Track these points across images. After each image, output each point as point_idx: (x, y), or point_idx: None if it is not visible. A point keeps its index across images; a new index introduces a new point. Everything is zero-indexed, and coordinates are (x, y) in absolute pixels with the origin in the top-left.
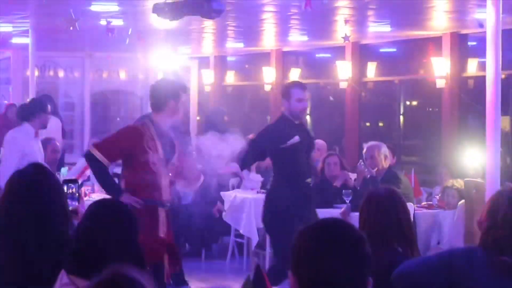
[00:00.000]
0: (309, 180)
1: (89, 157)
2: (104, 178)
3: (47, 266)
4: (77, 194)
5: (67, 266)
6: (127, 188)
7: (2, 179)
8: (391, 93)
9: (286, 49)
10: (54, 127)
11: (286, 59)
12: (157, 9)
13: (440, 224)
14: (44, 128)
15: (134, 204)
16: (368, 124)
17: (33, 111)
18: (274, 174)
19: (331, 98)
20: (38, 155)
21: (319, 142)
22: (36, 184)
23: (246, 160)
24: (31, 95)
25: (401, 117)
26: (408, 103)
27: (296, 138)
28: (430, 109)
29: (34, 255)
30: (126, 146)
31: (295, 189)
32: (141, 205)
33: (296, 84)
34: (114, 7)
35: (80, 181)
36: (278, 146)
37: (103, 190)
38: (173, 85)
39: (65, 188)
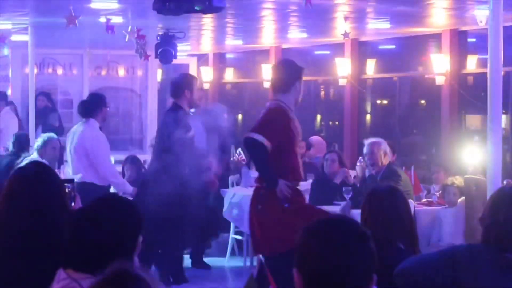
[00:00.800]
0: None
1: (251, 143)
2: (265, 164)
3: (46, 262)
4: (73, 194)
5: (63, 261)
6: (278, 172)
7: (109, 176)
8: (390, 90)
9: (285, 46)
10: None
11: (285, 56)
12: (157, 6)
13: (441, 222)
14: (103, 122)
15: (286, 194)
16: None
17: (96, 106)
18: None
19: (330, 95)
20: None
21: (315, 138)
22: (37, 181)
23: None
24: (31, 92)
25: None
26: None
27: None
28: (426, 105)
29: (33, 251)
30: (282, 127)
31: None
32: (292, 190)
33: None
34: (113, 5)
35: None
36: None
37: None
38: (296, 66)
39: None
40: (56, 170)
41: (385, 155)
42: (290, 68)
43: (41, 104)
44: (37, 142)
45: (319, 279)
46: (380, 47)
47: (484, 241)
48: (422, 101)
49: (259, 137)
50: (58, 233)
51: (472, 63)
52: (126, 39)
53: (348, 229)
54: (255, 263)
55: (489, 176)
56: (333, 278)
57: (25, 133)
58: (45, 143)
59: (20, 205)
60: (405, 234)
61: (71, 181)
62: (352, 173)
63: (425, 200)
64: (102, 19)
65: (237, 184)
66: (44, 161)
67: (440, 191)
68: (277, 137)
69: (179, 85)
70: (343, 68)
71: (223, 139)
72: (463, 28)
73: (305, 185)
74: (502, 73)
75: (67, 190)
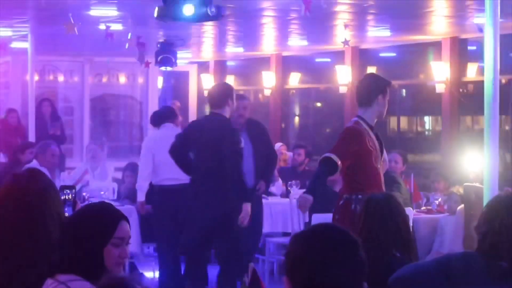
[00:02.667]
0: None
1: (324, 161)
2: (317, 177)
3: (37, 271)
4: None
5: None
6: (357, 186)
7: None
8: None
9: (285, 53)
10: None
11: (285, 63)
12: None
13: (442, 229)
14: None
15: (303, 206)
16: None
17: (171, 115)
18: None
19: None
20: None
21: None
22: (30, 189)
23: None
24: (30, 99)
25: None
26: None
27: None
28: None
29: (24, 260)
30: (356, 148)
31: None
32: None
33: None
34: (113, 12)
35: (79, 186)
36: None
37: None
38: (379, 80)
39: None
40: (56, 178)
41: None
42: (372, 81)
43: (47, 110)
44: (36, 149)
45: (309, 287)
46: (381, 54)
47: (479, 249)
48: (423, 109)
49: (333, 156)
50: (48, 240)
51: (472, 71)
52: (126, 46)
53: (338, 237)
54: None
55: (486, 183)
56: (323, 287)
57: None
58: (45, 150)
59: (12, 212)
60: (401, 242)
61: (72, 187)
62: None
63: (425, 208)
64: (102, 27)
65: None
66: (43, 168)
67: (440, 199)
68: (349, 157)
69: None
70: (343, 76)
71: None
72: (463, 36)
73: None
74: (503, 81)
75: (67, 196)
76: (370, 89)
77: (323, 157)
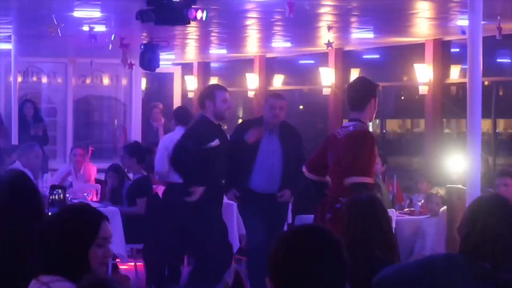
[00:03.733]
0: (223, 181)
1: (361, 186)
2: None
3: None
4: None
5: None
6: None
7: None
8: None
9: (269, 55)
10: None
11: (269, 65)
12: (140, 15)
13: (424, 231)
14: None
15: None
16: None
17: (188, 116)
18: None
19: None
20: None
21: None
22: (13, 190)
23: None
24: (14, 101)
25: None
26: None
27: (216, 141)
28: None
29: (6, 261)
30: (373, 153)
31: (210, 190)
32: None
33: (218, 86)
34: (96, 13)
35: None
36: (199, 147)
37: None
38: (371, 84)
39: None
40: (39, 179)
41: None
42: (365, 85)
43: (29, 111)
44: (19, 151)
45: None
46: (364, 56)
47: (462, 250)
48: (407, 110)
49: (366, 180)
50: (29, 241)
51: (455, 73)
52: (110, 48)
53: (321, 237)
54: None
55: (468, 185)
56: (306, 287)
57: None
58: (28, 152)
59: None
60: (384, 243)
61: (61, 187)
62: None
63: (407, 209)
64: (85, 28)
65: None
66: (26, 170)
67: (423, 200)
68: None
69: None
70: (327, 78)
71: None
72: (447, 38)
73: None
74: (486, 82)
75: (56, 196)
76: (364, 93)
77: (360, 183)
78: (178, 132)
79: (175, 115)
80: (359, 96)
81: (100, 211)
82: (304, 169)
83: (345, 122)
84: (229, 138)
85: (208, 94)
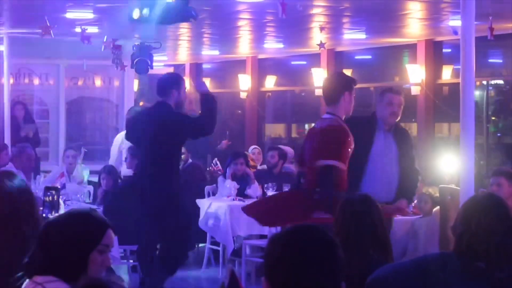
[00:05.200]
0: None
1: (328, 169)
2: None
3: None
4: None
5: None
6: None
7: None
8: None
9: (261, 56)
10: None
11: (261, 66)
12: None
13: (416, 231)
14: None
15: None
16: None
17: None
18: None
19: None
20: None
21: (289, 149)
22: (3, 192)
23: None
24: (6, 102)
25: None
26: None
27: None
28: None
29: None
30: (345, 145)
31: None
32: None
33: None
34: (89, 15)
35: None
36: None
37: None
38: (344, 78)
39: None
40: (32, 181)
41: None
42: (338, 79)
43: (20, 113)
44: (12, 152)
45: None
46: (356, 57)
47: (456, 250)
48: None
49: (338, 163)
50: (23, 242)
51: (447, 73)
52: (102, 49)
53: (316, 237)
54: None
55: (462, 185)
56: (301, 287)
57: None
58: (20, 153)
59: None
60: (378, 243)
61: (55, 188)
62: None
63: None
64: (78, 29)
65: (213, 194)
66: (18, 171)
67: (416, 201)
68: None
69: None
70: (319, 78)
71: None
72: (439, 39)
73: None
74: (478, 83)
75: (50, 197)
76: (336, 87)
77: (329, 166)
78: None
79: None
80: (332, 90)
81: (106, 219)
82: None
83: (324, 114)
84: None
85: (176, 83)
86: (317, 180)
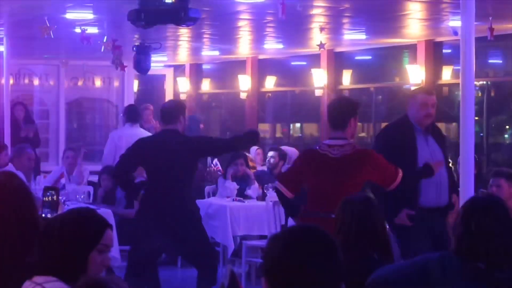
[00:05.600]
0: None
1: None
2: None
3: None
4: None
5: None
6: None
7: None
8: (366, 101)
9: (261, 57)
10: None
11: (261, 66)
12: (131, 16)
13: None
14: None
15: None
16: None
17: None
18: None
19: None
20: None
21: (291, 149)
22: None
23: None
24: (6, 103)
25: None
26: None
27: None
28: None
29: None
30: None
31: None
32: None
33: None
34: (89, 15)
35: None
36: None
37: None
38: (352, 103)
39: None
40: (32, 181)
41: None
42: (346, 105)
43: (20, 114)
44: (12, 153)
45: None
46: (356, 58)
47: (456, 251)
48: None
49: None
50: (22, 242)
51: (447, 74)
52: (102, 50)
53: (315, 237)
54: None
55: (462, 185)
56: (300, 287)
57: None
58: (20, 154)
59: None
60: (378, 244)
61: (55, 188)
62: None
63: None
64: (78, 30)
65: (213, 195)
66: (18, 172)
67: None
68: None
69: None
70: (319, 79)
71: None
72: (439, 39)
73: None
74: (477, 83)
75: (50, 198)
76: (344, 112)
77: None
78: (126, 129)
79: (125, 113)
80: (340, 115)
81: (106, 219)
82: (277, 183)
83: (330, 140)
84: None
85: (183, 109)
86: None
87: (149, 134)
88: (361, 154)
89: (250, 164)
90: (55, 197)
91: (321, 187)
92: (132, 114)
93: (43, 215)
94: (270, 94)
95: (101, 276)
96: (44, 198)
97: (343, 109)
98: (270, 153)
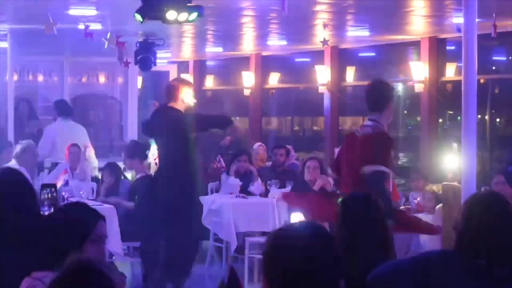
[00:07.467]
0: None
1: (379, 174)
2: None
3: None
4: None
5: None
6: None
7: None
8: None
9: (265, 53)
10: None
11: (265, 63)
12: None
13: None
14: None
15: None
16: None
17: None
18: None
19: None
20: None
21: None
22: (5, 187)
23: None
24: (10, 99)
25: None
26: None
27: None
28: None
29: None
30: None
31: None
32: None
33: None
34: (92, 11)
35: (58, 186)
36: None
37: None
38: (390, 87)
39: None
40: (36, 177)
41: None
42: (385, 88)
43: (24, 110)
44: (16, 149)
45: (285, 284)
46: (360, 54)
47: (458, 247)
48: (402, 108)
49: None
50: (24, 238)
51: (451, 71)
52: (106, 46)
53: (314, 234)
54: None
55: (464, 182)
56: (299, 283)
57: None
58: (24, 150)
59: None
60: (379, 241)
61: (52, 185)
62: (332, 180)
63: (403, 207)
64: (81, 26)
65: (217, 191)
66: (22, 168)
67: (419, 198)
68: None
69: None
70: (322, 76)
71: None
72: (442, 36)
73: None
74: (482, 80)
75: (47, 195)
76: (384, 95)
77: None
78: (59, 123)
79: (57, 107)
80: (379, 98)
81: (97, 211)
82: (329, 168)
83: (366, 121)
84: None
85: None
86: (365, 186)
87: (81, 126)
88: (375, 135)
89: (259, 163)
90: (54, 194)
91: (344, 166)
92: (64, 109)
93: (41, 212)
94: (273, 91)
95: (89, 257)
96: (41, 196)
97: (381, 93)
98: (278, 151)
